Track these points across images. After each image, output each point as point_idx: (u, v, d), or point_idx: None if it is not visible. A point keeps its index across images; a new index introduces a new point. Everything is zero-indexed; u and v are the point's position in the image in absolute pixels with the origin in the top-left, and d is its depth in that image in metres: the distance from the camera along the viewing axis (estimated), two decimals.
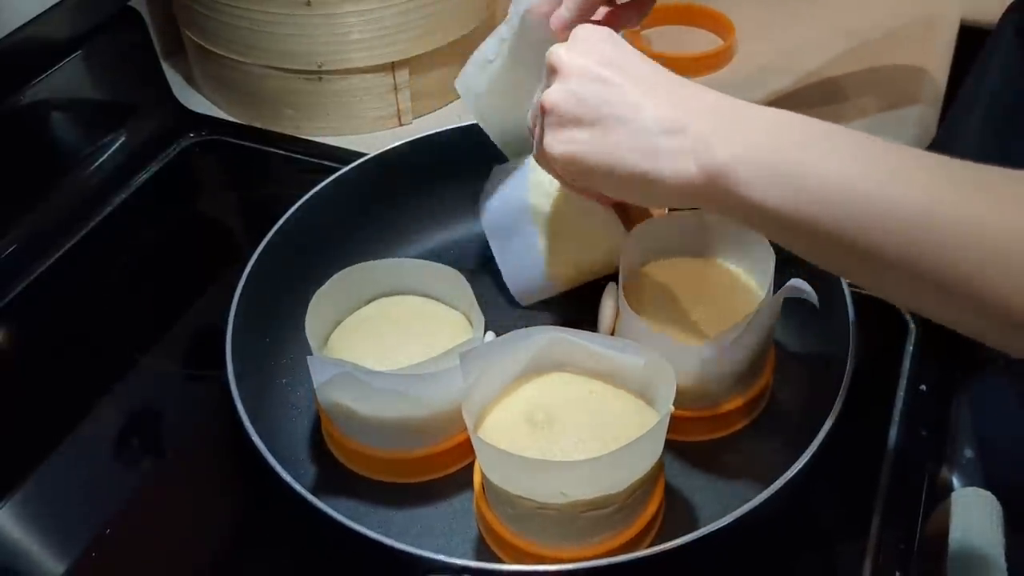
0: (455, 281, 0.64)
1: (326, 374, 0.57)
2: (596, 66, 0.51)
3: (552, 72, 0.53)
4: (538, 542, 0.55)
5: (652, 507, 0.56)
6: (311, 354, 0.59)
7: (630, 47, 0.52)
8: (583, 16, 0.57)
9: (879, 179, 0.44)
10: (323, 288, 0.63)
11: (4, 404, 0.70)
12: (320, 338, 0.63)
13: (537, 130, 0.55)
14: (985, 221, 0.41)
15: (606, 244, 0.67)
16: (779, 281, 0.59)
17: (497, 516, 0.56)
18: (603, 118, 0.50)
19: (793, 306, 0.60)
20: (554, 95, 0.52)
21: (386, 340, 0.64)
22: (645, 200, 0.56)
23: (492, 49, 0.65)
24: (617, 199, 0.62)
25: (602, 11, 0.62)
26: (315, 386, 0.59)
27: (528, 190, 0.67)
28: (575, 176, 0.53)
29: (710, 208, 0.49)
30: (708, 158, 0.47)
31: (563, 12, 0.57)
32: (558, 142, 0.52)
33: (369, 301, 0.67)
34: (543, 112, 0.53)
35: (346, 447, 0.62)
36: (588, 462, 0.52)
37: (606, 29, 0.53)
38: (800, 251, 0.48)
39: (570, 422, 0.56)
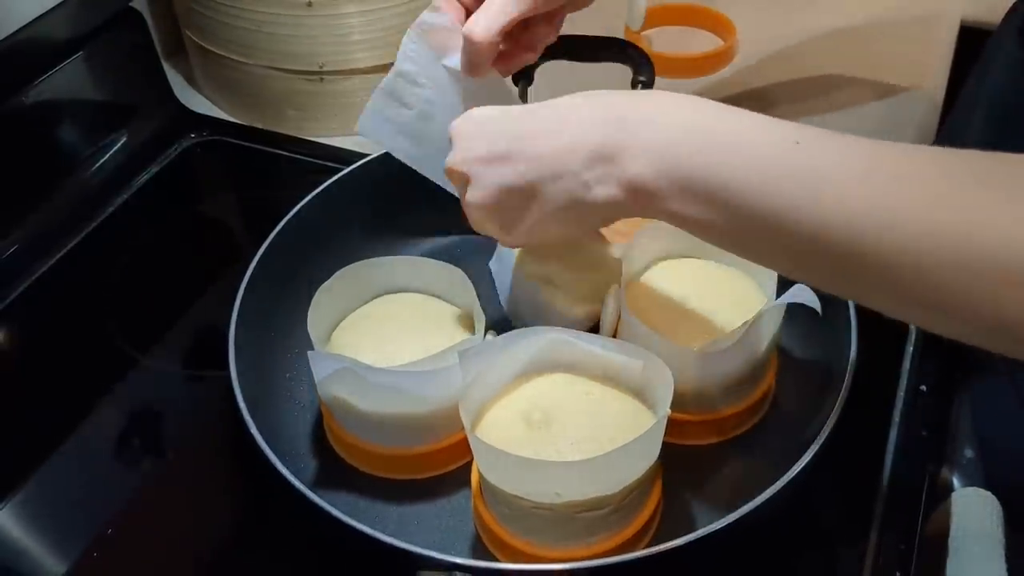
0: (457, 279, 0.64)
1: (326, 369, 0.58)
2: (489, 155, 0.51)
3: (459, 180, 0.54)
4: (533, 542, 0.55)
5: (649, 509, 0.56)
6: (313, 337, 0.60)
7: (502, 108, 0.52)
8: (499, 36, 0.56)
9: (787, 185, 0.42)
10: (326, 284, 0.63)
11: (6, 404, 0.70)
12: (323, 334, 0.64)
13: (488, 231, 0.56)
14: (894, 222, 0.40)
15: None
16: (783, 285, 0.60)
17: (493, 515, 0.57)
18: (527, 187, 0.50)
19: (795, 310, 0.60)
20: (473, 199, 0.52)
21: (388, 337, 0.64)
22: (588, 228, 0.54)
23: (405, 92, 0.62)
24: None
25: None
26: (316, 381, 0.59)
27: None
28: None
29: (653, 218, 0.48)
30: (622, 174, 0.46)
31: (479, 32, 0.55)
32: (513, 229, 0.53)
33: (372, 298, 0.67)
34: (476, 214, 0.54)
35: (346, 442, 0.62)
36: (582, 463, 0.52)
37: (474, 115, 0.53)
38: (753, 259, 0.47)
39: (567, 423, 0.56)
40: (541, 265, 0.66)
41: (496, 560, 0.57)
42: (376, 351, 0.62)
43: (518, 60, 0.61)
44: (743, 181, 0.43)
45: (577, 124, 0.48)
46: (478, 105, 0.54)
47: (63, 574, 0.60)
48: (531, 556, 0.55)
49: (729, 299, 0.64)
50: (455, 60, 0.59)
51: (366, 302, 0.67)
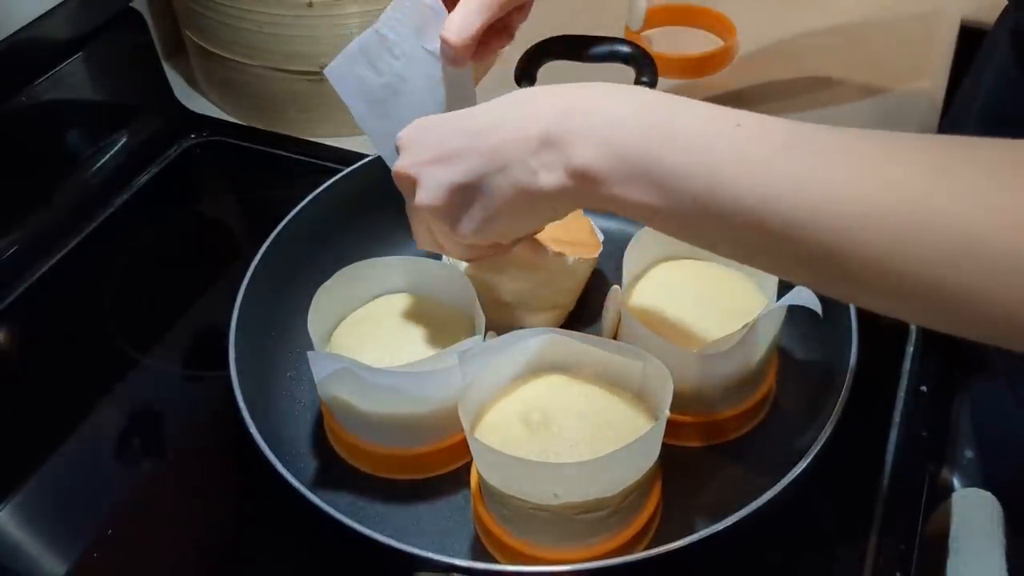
0: (458, 281, 0.64)
1: (326, 369, 0.58)
2: (436, 156, 0.51)
3: (407, 185, 0.53)
4: (533, 543, 0.55)
5: (648, 511, 0.56)
6: (313, 337, 0.60)
7: (448, 114, 0.53)
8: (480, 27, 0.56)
9: (748, 168, 0.42)
10: (326, 284, 0.63)
11: (6, 404, 0.70)
12: (323, 334, 0.64)
13: (435, 232, 0.56)
14: (820, 211, 0.40)
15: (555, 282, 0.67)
16: (783, 287, 0.60)
17: (492, 516, 0.57)
18: (475, 182, 0.50)
19: (795, 311, 0.60)
20: (422, 201, 0.52)
21: (388, 337, 0.64)
22: (538, 220, 0.54)
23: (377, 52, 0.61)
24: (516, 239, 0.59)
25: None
26: (316, 381, 0.60)
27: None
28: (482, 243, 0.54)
29: (595, 208, 0.49)
30: (568, 160, 0.46)
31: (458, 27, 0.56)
32: (464, 228, 0.52)
33: (372, 298, 0.67)
34: (427, 216, 0.53)
35: (346, 442, 0.62)
36: (580, 464, 0.52)
37: (420, 123, 0.53)
38: (702, 246, 0.47)
39: (566, 424, 0.56)
40: (489, 279, 0.66)
41: (495, 561, 0.57)
42: (376, 351, 0.63)
43: (496, 45, 0.61)
44: (686, 165, 0.43)
45: (524, 116, 0.49)
46: (446, 96, 0.54)
47: (63, 574, 0.60)
48: (530, 557, 0.55)
49: (729, 301, 0.64)
50: (434, 46, 0.58)
51: (366, 302, 0.67)
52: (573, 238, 0.69)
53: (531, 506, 0.53)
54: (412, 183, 0.53)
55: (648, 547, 0.55)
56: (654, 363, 0.55)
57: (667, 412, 0.53)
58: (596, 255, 0.70)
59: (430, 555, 0.50)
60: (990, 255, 0.37)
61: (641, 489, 0.55)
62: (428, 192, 0.52)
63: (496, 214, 0.51)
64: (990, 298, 0.37)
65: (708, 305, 0.64)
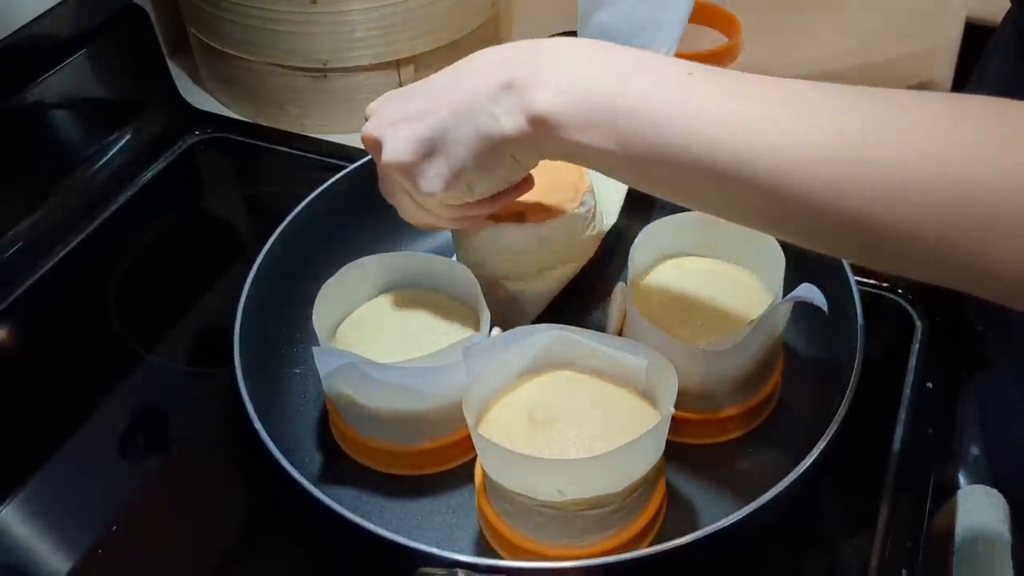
0: (463, 276, 0.64)
1: (331, 364, 0.58)
2: (400, 115, 0.53)
3: (374, 147, 0.55)
4: (536, 539, 0.55)
5: (652, 508, 0.56)
6: (318, 333, 0.60)
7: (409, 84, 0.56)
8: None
9: (697, 111, 0.44)
10: (331, 279, 0.63)
11: (11, 401, 0.70)
12: (328, 329, 0.64)
13: (407, 196, 0.58)
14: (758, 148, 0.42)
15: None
16: (789, 284, 0.59)
17: (496, 512, 0.56)
18: (439, 134, 0.52)
19: (801, 308, 0.60)
20: (388, 158, 0.54)
21: (393, 333, 0.64)
22: (503, 169, 0.53)
23: None
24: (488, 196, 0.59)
25: None
26: (321, 376, 0.59)
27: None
28: (454, 198, 0.55)
29: (555, 156, 0.50)
30: (528, 105, 0.48)
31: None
32: (432, 184, 0.53)
33: (378, 294, 0.67)
34: (396, 174, 0.55)
35: (351, 437, 0.62)
36: (584, 461, 0.52)
37: (387, 93, 0.56)
38: (661, 195, 0.49)
39: (571, 421, 0.56)
40: (473, 258, 0.67)
41: (499, 557, 0.57)
42: (381, 346, 0.62)
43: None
44: (639, 110, 0.45)
45: (486, 67, 0.50)
46: None
47: (69, 571, 0.60)
48: (534, 553, 0.55)
49: (735, 297, 0.64)
50: None
51: (371, 298, 0.67)
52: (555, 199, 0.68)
53: (535, 502, 0.53)
54: (378, 144, 0.55)
55: (652, 544, 0.55)
56: (659, 359, 0.55)
57: (671, 409, 0.52)
58: (572, 210, 0.67)
59: (434, 551, 0.50)
60: (924, 191, 0.39)
61: (645, 486, 0.55)
62: (392, 149, 0.53)
63: (461, 165, 0.52)
64: (923, 234, 0.40)
65: (714, 302, 0.64)
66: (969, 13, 1.02)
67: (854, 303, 0.62)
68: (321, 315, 0.61)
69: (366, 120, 0.56)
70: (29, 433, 0.68)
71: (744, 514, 0.51)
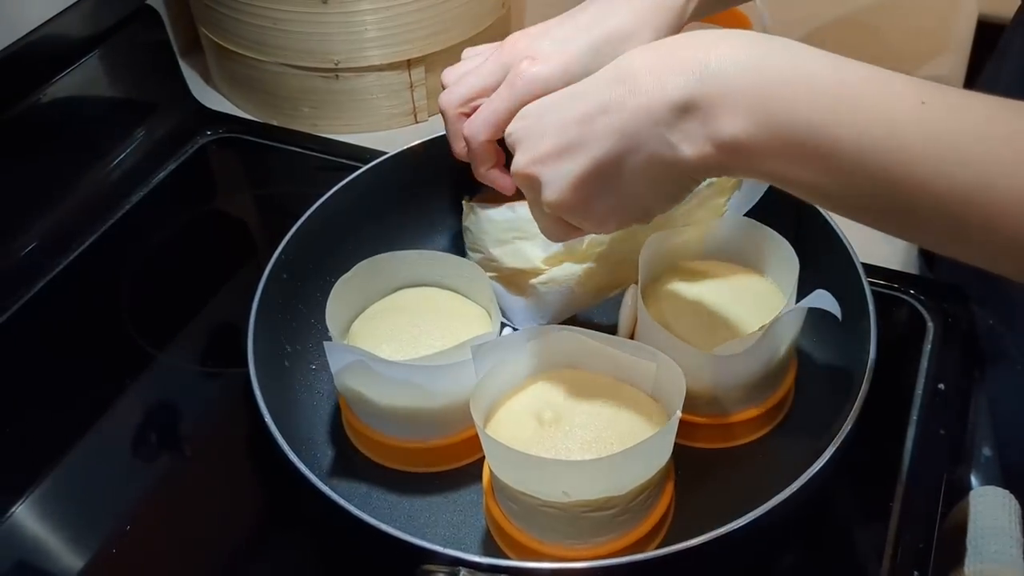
0: (474, 274, 0.64)
1: (341, 361, 0.58)
2: (556, 148, 0.47)
3: (528, 185, 0.50)
4: (542, 540, 0.55)
5: (660, 511, 0.56)
6: (331, 328, 0.60)
7: (561, 92, 0.49)
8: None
9: (918, 148, 0.38)
10: (345, 276, 0.63)
11: (25, 400, 0.70)
12: (341, 325, 0.64)
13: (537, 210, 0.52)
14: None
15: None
16: (803, 288, 0.59)
17: (503, 511, 0.57)
18: (605, 168, 0.46)
19: (814, 313, 0.59)
20: (550, 199, 0.48)
21: (404, 330, 0.64)
22: (680, 194, 0.48)
23: None
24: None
25: None
26: (332, 372, 0.60)
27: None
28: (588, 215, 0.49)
29: (751, 176, 0.44)
30: (713, 132, 0.41)
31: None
32: (600, 218, 0.48)
33: (391, 291, 0.67)
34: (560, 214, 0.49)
35: (361, 433, 0.63)
36: (590, 463, 0.52)
37: (530, 109, 0.50)
38: (860, 221, 0.43)
39: (578, 422, 0.56)
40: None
41: (506, 557, 0.57)
42: (393, 344, 0.63)
43: None
44: (860, 141, 0.39)
45: (649, 82, 0.43)
46: None
47: (81, 570, 0.60)
48: (539, 553, 0.55)
49: (747, 302, 0.64)
50: None
51: (385, 295, 0.67)
52: None
53: (540, 503, 0.53)
54: (536, 182, 0.48)
55: (659, 547, 0.55)
56: (667, 363, 0.55)
57: (679, 413, 0.52)
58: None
59: (436, 548, 0.50)
60: None
61: (652, 489, 0.55)
62: (555, 191, 0.47)
63: (633, 197, 0.47)
64: None
65: (726, 307, 0.63)
66: (981, 11, 1.01)
67: (867, 307, 0.61)
68: (334, 311, 0.62)
69: (512, 146, 0.50)
70: (43, 432, 0.68)
71: (755, 516, 0.51)
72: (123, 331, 0.75)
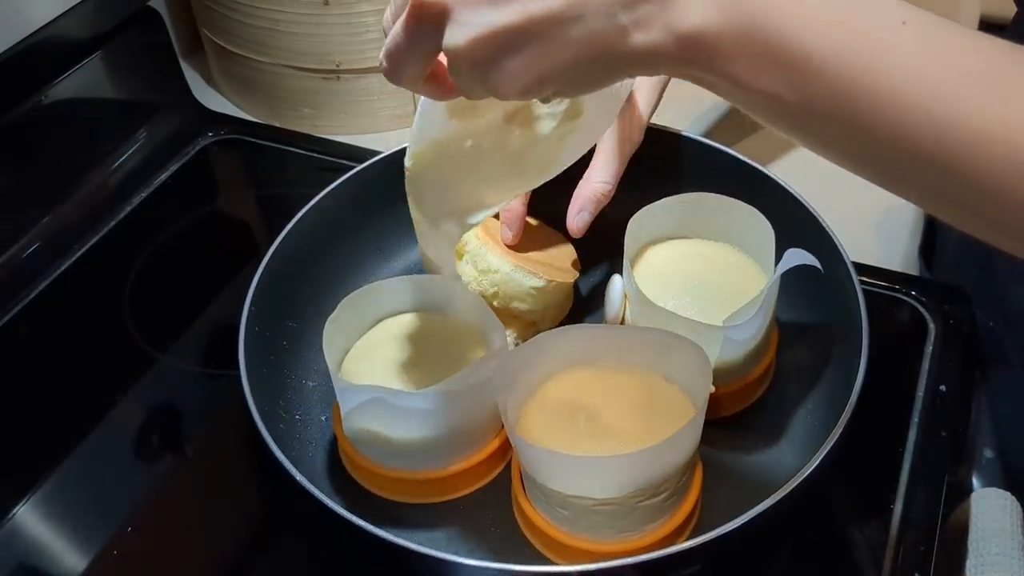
0: (463, 294, 0.63)
1: (355, 400, 0.56)
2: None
3: (430, 21, 0.40)
4: (591, 537, 0.55)
5: (695, 491, 0.57)
6: (333, 371, 0.58)
7: None
8: None
9: (899, 71, 0.35)
10: (333, 315, 0.60)
11: (26, 401, 0.70)
12: (338, 363, 0.62)
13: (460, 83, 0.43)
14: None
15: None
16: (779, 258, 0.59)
17: (546, 519, 0.56)
18: (534, 28, 0.39)
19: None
20: (454, 41, 0.40)
21: (402, 360, 0.62)
22: (606, 82, 0.42)
23: None
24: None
25: None
26: (343, 414, 0.58)
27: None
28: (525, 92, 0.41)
29: (700, 84, 0.40)
30: (673, 21, 0.37)
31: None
32: (504, 85, 0.40)
33: (376, 323, 0.65)
34: (458, 62, 0.41)
35: (377, 474, 0.60)
36: (646, 451, 0.51)
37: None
38: (809, 145, 0.40)
39: (611, 416, 0.56)
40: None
41: (513, 561, 0.56)
42: (390, 375, 0.61)
43: None
44: (831, 51, 0.35)
45: None
46: None
47: (82, 571, 0.60)
48: (593, 553, 0.54)
49: (728, 275, 0.65)
50: None
51: (369, 328, 0.65)
52: (552, 262, 0.68)
53: (595, 502, 0.53)
54: (440, 17, 0.40)
55: (689, 538, 0.55)
56: (683, 342, 0.55)
57: (711, 387, 0.53)
58: (571, 280, 0.68)
59: (431, 552, 0.50)
60: None
61: (693, 466, 0.56)
62: (463, 31, 0.39)
63: (551, 68, 0.40)
64: None
65: (711, 281, 0.64)
66: (983, 10, 1.01)
67: (859, 306, 0.60)
68: (331, 351, 0.59)
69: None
70: (44, 433, 0.68)
71: (752, 516, 0.51)
72: (125, 332, 0.75)
